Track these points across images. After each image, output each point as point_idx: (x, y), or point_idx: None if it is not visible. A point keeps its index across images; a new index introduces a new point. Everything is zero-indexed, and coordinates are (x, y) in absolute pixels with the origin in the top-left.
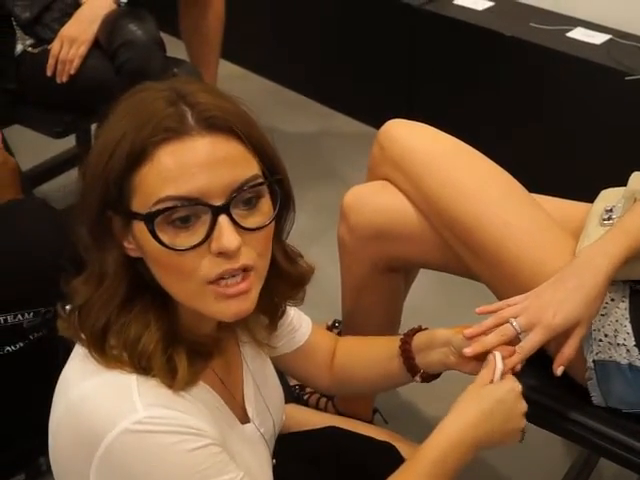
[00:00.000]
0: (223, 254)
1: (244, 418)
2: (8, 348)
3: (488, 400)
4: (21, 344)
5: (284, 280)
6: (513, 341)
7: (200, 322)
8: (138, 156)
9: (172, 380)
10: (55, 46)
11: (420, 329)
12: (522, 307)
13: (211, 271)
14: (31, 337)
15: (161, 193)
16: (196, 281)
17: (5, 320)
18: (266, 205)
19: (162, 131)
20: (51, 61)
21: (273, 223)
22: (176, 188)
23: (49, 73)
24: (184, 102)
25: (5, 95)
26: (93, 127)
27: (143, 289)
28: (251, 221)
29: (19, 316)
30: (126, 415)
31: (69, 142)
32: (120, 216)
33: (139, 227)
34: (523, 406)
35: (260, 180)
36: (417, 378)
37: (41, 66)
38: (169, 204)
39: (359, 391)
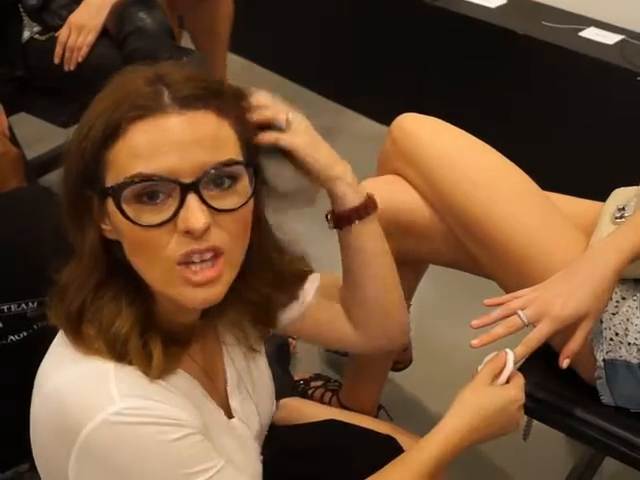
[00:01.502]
0: (190, 233)
1: (228, 412)
2: (12, 337)
3: (491, 407)
4: (25, 333)
5: (268, 279)
6: None
7: (178, 311)
8: (112, 133)
9: (148, 367)
10: (63, 33)
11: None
12: (530, 299)
13: (178, 250)
14: (35, 326)
15: (132, 170)
16: (164, 261)
17: (9, 309)
18: (242, 188)
19: (136, 108)
20: (59, 48)
21: (250, 207)
22: (146, 165)
23: (57, 61)
24: (162, 82)
25: (12, 82)
26: None
27: (118, 273)
28: (224, 203)
29: (23, 305)
30: (104, 406)
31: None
32: (97, 195)
33: (111, 204)
34: (521, 415)
35: (235, 161)
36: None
37: (48, 53)
38: (138, 180)
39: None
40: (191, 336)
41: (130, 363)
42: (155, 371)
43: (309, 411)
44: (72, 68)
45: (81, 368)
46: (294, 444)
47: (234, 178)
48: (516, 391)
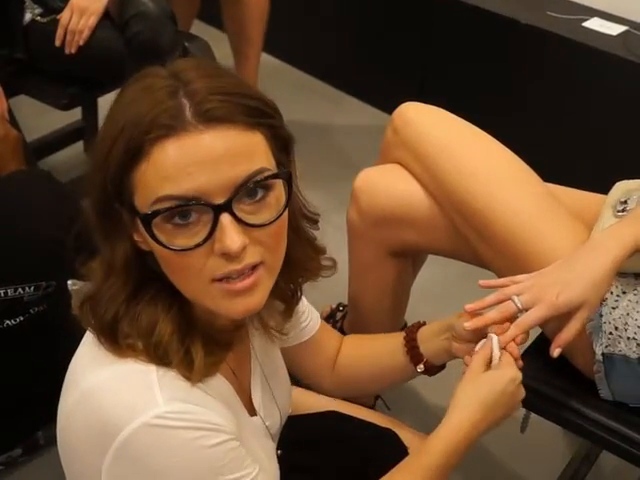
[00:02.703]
0: (225, 255)
1: (251, 410)
2: (8, 322)
3: (491, 395)
4: (21, 318)
5: (300, 265)
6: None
7: (217, 315)
8: (135, 154)
9: (190, 372)
10: (65, 16)
11: (425, 323)
12: (526, 285)
13: (216, 271)
14: (31, 311)
15: (159, 192)
16: (201, 280)
17: (5, 293)
18: (275, 198)
19: (158, 128)
20: (60, 31)
21: (285, 216)
22: (174, 187)
23: (58, 43)
24: (184, 92)
25: (12, 65)
26: (100, 100)
27: (152, 280)
28: (258, 217)
29: (19, 290)
30: (146, 409)
31: (76, 114)
32: (126, 210)
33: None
34: (522, 393)
35: (267, 174)
36: (420, 366)
37: (50, 36)
38: (167, 204)
39: (360, 390)
40: (232, 338)
41: (171, 367)
42: (197, 376)
43: (307, 401)
44: (73, 51)
45: (122, 369)
46: (294, 434)
47: (266, 188)
48: (510, 369)
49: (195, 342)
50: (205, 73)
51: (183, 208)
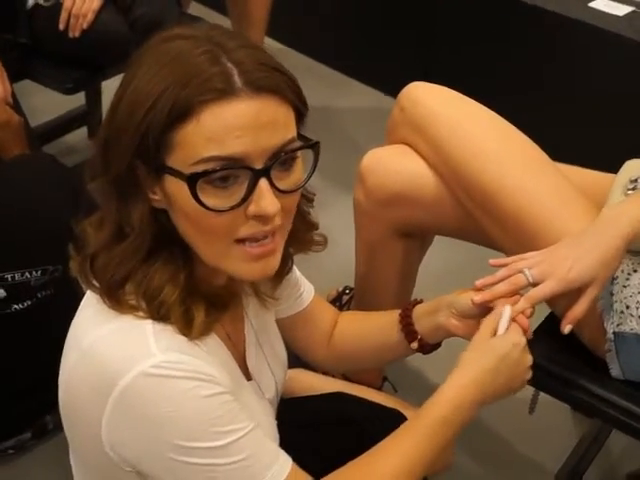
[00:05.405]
0: (260, 217)
1: (247, 375)
2: (15, 306)
3: (492, 357)
4: (29, 302)
5: (292, 235)
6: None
7: (215, 274)
8: (182, 114)
9: (188, 329)
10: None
11: (422, 301)
12: (537, 260)
13: (244, 231)
14: (39, 295)
15: (205, 153)
16: (225, 240)
17: (12, 277)
18: (298, 165)
19: (209, 91)
20: (64, 15)
21: None
22: (221, 149)
23: (61, 27)
24: (228, 59)
25: (17, 49)
26: (103, 84)
27: (166, 242)
28: (286, 183)
29: (27, 274)
30: (142, 359)
31: (79, 99)
32: (149, 168)
33: (173, 183)
34: (529, 359)
35: (298, 145)
36: (414, 344)
37: (53, 20)
38: (212, 165)
39: (354, 365)
40: (229, 298)
41: (169, 323)
42: (194, 333)
43: (312, 382)
44: (77, 35)
45: (120, 324)
46: (298, 415)
47: (293, 158)
48: (514, 334)
49: (197, 302)
50: (242, 43)
51: (228, 170)
